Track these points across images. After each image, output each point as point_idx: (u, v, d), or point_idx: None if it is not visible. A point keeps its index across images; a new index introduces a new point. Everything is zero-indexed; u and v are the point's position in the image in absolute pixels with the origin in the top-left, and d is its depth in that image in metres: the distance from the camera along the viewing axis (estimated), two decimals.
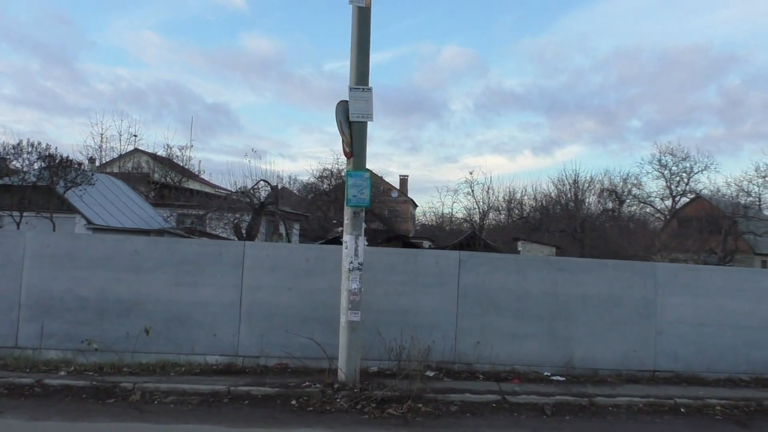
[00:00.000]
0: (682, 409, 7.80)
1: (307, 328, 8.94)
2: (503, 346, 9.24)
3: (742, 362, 9.62)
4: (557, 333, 9.37)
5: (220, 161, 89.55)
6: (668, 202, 50.93)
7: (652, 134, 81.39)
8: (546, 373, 9.15)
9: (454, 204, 46.86)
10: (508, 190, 46.07)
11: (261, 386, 7.69)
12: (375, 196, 44.78)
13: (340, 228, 37.99)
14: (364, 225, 8.14)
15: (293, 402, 7.36)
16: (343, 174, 44.31)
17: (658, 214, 50.45)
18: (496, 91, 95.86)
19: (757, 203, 45.17)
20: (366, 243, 8.53)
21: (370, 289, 8.52)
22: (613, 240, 34.64)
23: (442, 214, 48.42)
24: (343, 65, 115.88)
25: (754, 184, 44.42)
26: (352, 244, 7.99)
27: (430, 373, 8.75)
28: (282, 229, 31.43)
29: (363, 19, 8.23)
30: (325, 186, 45.74)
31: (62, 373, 8.01)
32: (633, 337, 9.46)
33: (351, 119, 8.06)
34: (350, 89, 8.12)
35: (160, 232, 23.47)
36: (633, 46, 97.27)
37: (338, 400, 7.41)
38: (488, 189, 43.53)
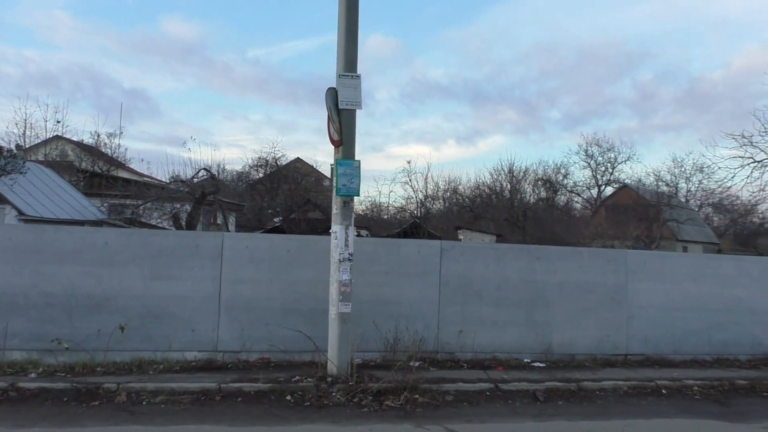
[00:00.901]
0: (664, 391, 8.11)
1: (289, 321, 8.71)
2: (484, 334, 9.31)
3: (705, 344, 10.10)
4: (536, 320, 9.54)
5: (142, 149, 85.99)
6: (594, 191, 53.20)
7: (570, 125, 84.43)
8: (526, 360, 9.30)
9: (391, 193, 46.94)
10: (447, 179, 46.47)
11: (253, 382, 7.42)
12: (308, 185, 43.71)
13: (278, 218, 36.97)
14: (353, 214, 7.98)
15: (288, 397, 7.15)
16: (278, 162, 43.29)
17: (585, 203, 52.60)
18: (421, 81, 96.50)
19: (674, 192, 47.91)
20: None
21: (353, 279, 8.36)
22: (550, 228, 35.69)
23: (379, 203, 48.34)
24: (268, 52, 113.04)
25: (671, 174, 47.02)
26: (342, 234, 7.82)
27: (415, 363, 8.71)
28: (220, 220, 30.66)
29: (351, 5, 8.03)
30: (259, 175, 44.68)
31: (32, 375, 7.47)
32: (607, 323, 9.75)
33: (340, 107, 7.87)
34: (339, 76, 7.92)
35: (97, 224, 22.32)
36: (553, 39, 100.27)
37: (334, 393, 7.26)
38: (426, 178, 43.90)
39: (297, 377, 7.69)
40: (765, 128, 17.22)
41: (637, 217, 40.77)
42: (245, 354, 8.63)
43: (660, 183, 47.28)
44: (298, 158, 48.98)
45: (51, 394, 6.85)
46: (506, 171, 43.57)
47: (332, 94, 7.88)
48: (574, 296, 9.65)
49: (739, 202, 49.77)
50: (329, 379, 7.56)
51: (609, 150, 51.39)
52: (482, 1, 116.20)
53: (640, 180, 49.20)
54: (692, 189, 49.06)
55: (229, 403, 6.96)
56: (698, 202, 52.51)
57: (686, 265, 10.19)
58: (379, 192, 46.20)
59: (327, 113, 8.08)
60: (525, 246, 11.21)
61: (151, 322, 8.44)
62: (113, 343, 8.16)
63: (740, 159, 17.37)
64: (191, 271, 8.60)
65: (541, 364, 9.17)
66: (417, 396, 7.29)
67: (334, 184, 7.89)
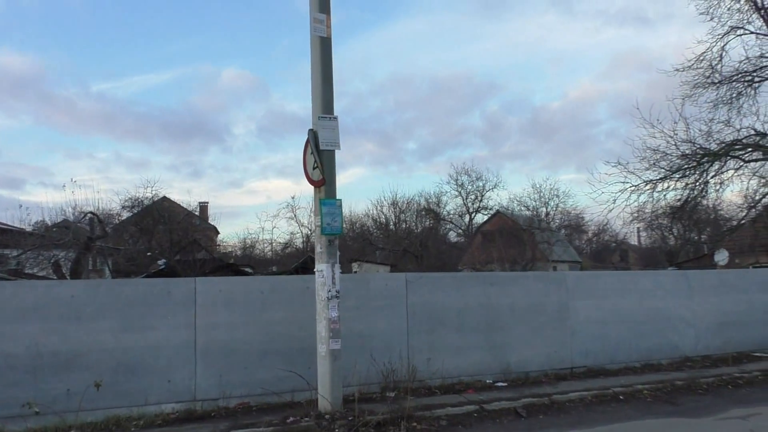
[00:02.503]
0: (621, 397, 9.00)
1: (266, 362, 8.65)
2: (450, 359, 9.78)
3: (634, 352, 11.26)
4: (494, 342, 10.17)
5: None
6: (466, 218, 55.92)
7: (426, 156, 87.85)
8: (488, 381, 9.87)
9: (274, 228, 45.98)
10: None
11: (253, 427, 7.32)
12: (178, 224, 40.89)
13: (162, 260, 34.83)
14: (338, 252, 8.18)
15: None
16: (146, 201, 40.11)
17: (459, 230, 55.14)
18: (279, 114, 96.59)
19: (536, 216, 51.65)
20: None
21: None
22: (437, 255, 37.19)
23: (259, 239, 46.62)
24: (115, 86, 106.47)
25: (531, 200, 50.58)
26: (328, 272, 7.99)
27: (391, 394, 8.97)
28: (102, 265, 28.93)
29: (325, 49, 8.35)
30: (125, 215, 41.57)
31: None
32: (553, 339, 10.60)
33: (321, 147, 8.11)
34: (318, 118, 8.18)
35: None
36: (407, 73, 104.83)
37: (337, 430, 7.35)
38: (311, 213, 43.85)
39: (292, 418, 7.68)
40: (641, 155, 19.34)
41: (512, 241, 43.48)
42: (224, 401, 8.43)
43: (522, 208, 50.62)
44: (164, 197, 45.58)
45: None
46: (389, 203, 44.88)
47: (313, 136, 8.12)
48: (525, 317, 10.42)
49: (591, 222, 54.53)
50: (327, 417, 7.63)
51: (478, 179, 53.95)
52: (337, 35, 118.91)
53: (506, 207, 52.46)
54: (551, 212, 52.67)
55: None
56: (557, 224, 56.87)
57: (613, 282, 11.36)
58: (262, 227, 45.13)
59: (303, 155, 8.33)
60: (480, 273, 11.91)
61: (124, 377, 8.02)
62: (85, 402, 7.66)
63: (621, 184, 19.27)
64: (164, 319, 8.30)
65: (503, 384, 9.78)
66: (415, 424, 7.57)
67: (319, 224, 8.06)
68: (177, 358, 8.31)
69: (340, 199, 8.21)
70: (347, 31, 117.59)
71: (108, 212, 41.44)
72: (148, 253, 36.88)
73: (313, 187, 8.29)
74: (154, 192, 39.87)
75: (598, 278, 11.39)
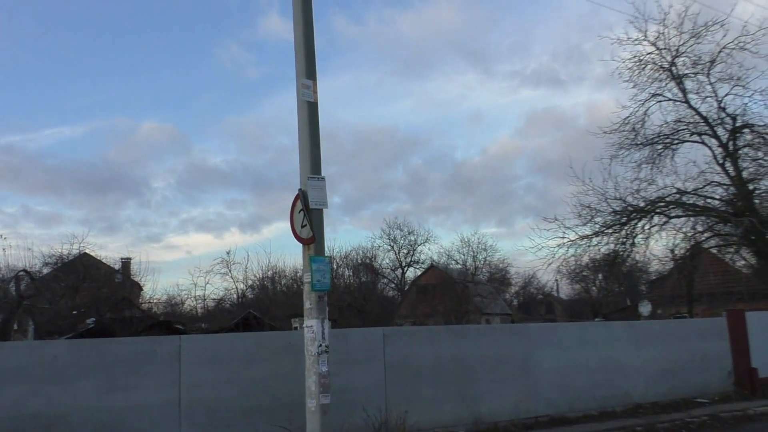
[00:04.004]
0: None
1: (251, 419, 8.65)
2: (425, 412, 10.03)
3: (591, 400, 11.88)
4: (466, 393, 10.53)
5: None
6: (398, 272, 55.74)
7: (351, 209, 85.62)
8: None
9: (208, 284, 44.12)
10: (267, 266, 45.64)
11: None
12: (99, 281, 37.59)
13: (90, 320, 32.63)
14: (327, 308, 8.40)
15: None
16: (69, 258, 37.11)
17: (392, 284, 55.16)
18: (200, 168, 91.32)
19: (464, 268, 52.57)
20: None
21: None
22: (374, 311, 37.20)
23: (190, 295, 44.97)
24: (25, 138, 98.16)
25: (460, 254, 51.52)
26: (318, 327, 8.18)
27: None
28: (28, 325, 27.43)
29: (312, 113, 8.78)
30: (46, 271, 38.85)
31: None
32: (520, 389, 11.08)
33: (310, 206, 8.42)
34: (308, 178, 8.52)
35: None
36: (331, 127, 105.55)
37: None
38: (246, 267, 42.98)
39: None
40: (576, 212, 20.56)
41: (448, 294, 44.23)
42: None
43: (453, 261, 51.19)
44: (85, 253, 42.22)
45: None
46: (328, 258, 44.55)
47: (303, 195, 8.44)
48: (494, 368, 10.87)
49: (518, 275, 55.98)
50: None
51: (410, 233, 54.51)
52: (260, 90, 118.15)
53: (439, 261, 52.98)
54: (479, 265, 53.37)
55: None
56: (486, 277, 57.86)
57: (571, 333, 12.05)
58: (195, 283, 43.21)
59: (290, 215, 8.61)
60: (451, 326, 12.31)
61: None
62: None
63: (559, 239, 20.39)
64: (148, 377, 8.21)
65: None
66: None
67: (309, 281, 8.28)
68: (161, 418, 8.20)
69: (329, 257, 8.51)
70: (269, 84, 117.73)
71: (29, 269, 38.73)
72: (74, 312, 34.59)
73: (302, 244, 8.53)
74: (81, 248, 37.72)
75: (557, 329, 12.07)
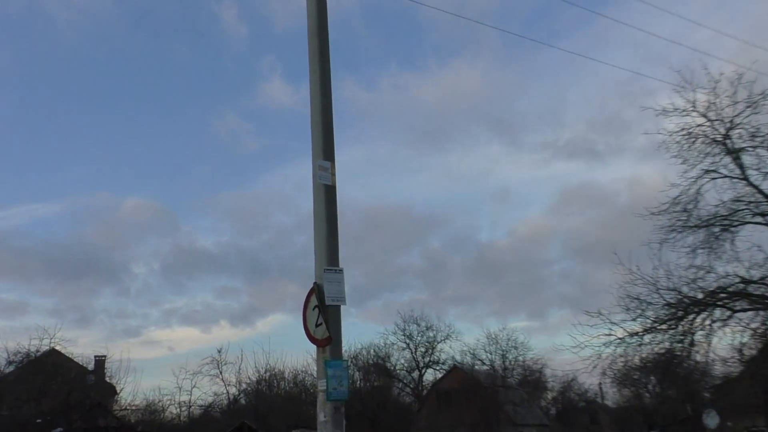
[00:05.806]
0: None
1: None
2: None
3: None
4: None
5: None
6: (415, 374, 46.34)
7: (358, 300, 73.72)
8: None
9: (194, 388, 38.90)
10: (264, 366, 39.47)
11: None
12: (68, 383, 32.52)
13: (58, 429, 28.09)
14: (344, 420, 7.08)
15: None
16: (37, 354, 31.21)
17: (407, 388, 46.59)
18: (187, 251, 80.00)
19: (496, 372, 42.98)
20: None
21: None
22: (389, 421, 34.07)
23: (173, 400, 40.11)
24: (9, 214, 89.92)
25: (486, 352, 42.93)
26: None
27: None
28: None
29: (330, 198, 7.90)
30: (8, 371, 31.91)
31: None
32: None
33: (327, 303, 7.35)
34: (324, 271, 7.49)
35: None
36: (338, 205, 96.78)
37: None
38: (240, 368, 38.46)
39: None
40: (623, 304, 18.64)
41: (473, 401, 38.16)
42: None
43: (478, 362, 43.78)
44: (53, 349, 34.71)
45: None
46: None
47: (318, 290, 7.42)
48: None
49: (555, 378, 47.57)
50: None
51: (428, 329, 45.44)
52: (258, 163, 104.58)
53: (462, 361, 44.53)
54: (510, 366, 44.51)
55: None
56: (517, 380, 47.16)
57: None
58: (179, 387, 38.84)
59: (303, 312, 7.57)
60: None
61: None
62: None
63: (605, 337, 18.44)
64: None
65: None
66: None
67: (324, 388, 7.08)
68: None
69: (347, 360, 7.32)
70: (269, 157, 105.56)
71: None
72: (38, 420, 29.25)
73: (316, 347, 7.38)
74: (51, 343, 32.64)
75: None
